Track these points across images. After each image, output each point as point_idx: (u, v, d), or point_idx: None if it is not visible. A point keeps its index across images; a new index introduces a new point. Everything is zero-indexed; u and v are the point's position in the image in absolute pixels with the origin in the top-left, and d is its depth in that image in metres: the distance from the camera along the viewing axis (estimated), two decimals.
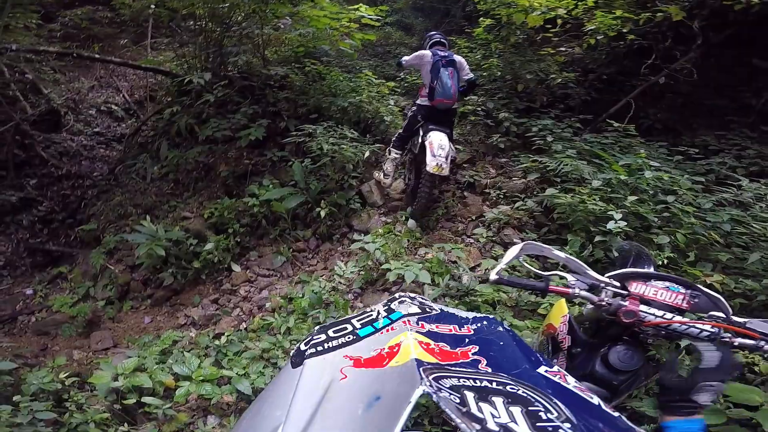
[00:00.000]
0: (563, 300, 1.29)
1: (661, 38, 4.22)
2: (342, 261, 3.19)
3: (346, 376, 0.58)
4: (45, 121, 6.22)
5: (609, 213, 2.76)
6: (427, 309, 0.79)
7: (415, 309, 0.78)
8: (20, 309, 4.06)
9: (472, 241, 3.53)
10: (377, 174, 3.81)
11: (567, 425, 0.42)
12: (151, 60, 6.30)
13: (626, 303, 1.07)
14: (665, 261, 2.47)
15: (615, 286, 1.12)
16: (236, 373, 2.37)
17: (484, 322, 0.76)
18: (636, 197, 2.93)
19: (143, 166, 4.64)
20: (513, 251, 1.18)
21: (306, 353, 0.69)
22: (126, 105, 7.08)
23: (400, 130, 3.76)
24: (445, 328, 0.71)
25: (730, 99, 4.33)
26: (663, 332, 1.07)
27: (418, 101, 3.57)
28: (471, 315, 0.79)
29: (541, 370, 0.60)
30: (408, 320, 0.72)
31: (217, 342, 2.72)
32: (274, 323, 2.67)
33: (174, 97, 5.05)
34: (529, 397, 0.47)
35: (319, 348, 0.70)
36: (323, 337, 0.73)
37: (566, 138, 4.07)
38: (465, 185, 4.03)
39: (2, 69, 5.38)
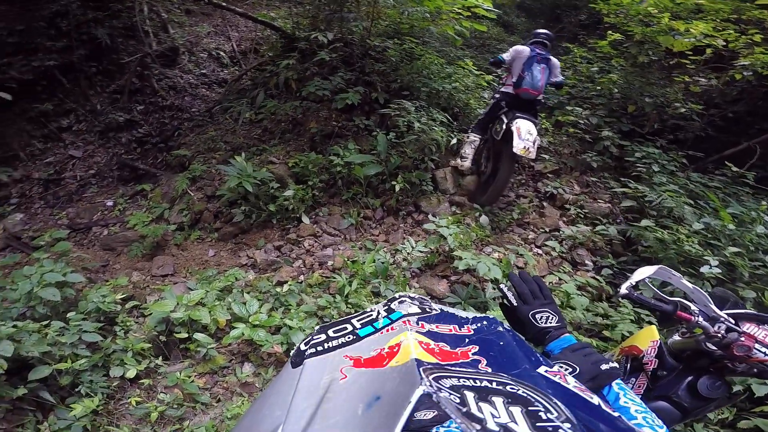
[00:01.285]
0: (654, 327, 1.40)
1: None
2: (411, 238, 3.19)
3: (346, 376, 0.58)
4: (164, 57, 6.76)
5: (705, 258, 2.70)
6: (427, 309, 0.78)
7: (415, 309, 0.77)
8: (97, 219, 4.22)
9: (540, 252, 3.40)
10: (454, 161, 3.79)
11: (567, 425, 0.41)
12: (264, 15, 6.68)
13: (743, 338, 1.15)
14: None
15: (730, 323, 1.18)
16: (296, 325, 2.32)
17: (484, 322, 0.75)
18: (736, 249, 2.83)
19: (238, 110, 4.94)
20: (646, 271, 1.25)
21: (306, 353, 0.69)
22: (232, 54, 7.55)
23: (481, 116, 3.80)
24: (445, 328, 0.71)
25: None
26: (756, 369, 1.15)
27: (502, 89, 3.63)
28: (471, 315, 0.79)
29: (541, 370, 0.59)
30: (408, 320, 0.72)
31: (278, 289, 2.74)
32: (338, 281, 2.71)
33: (279, 53, 5.29)
34: (529, 397, 0.46)
35: (319, 348, 0.70)
36: (323, 337, 0.73)
37: (671, 171, 3.82)
38: (546, 195, 3.87)
39: (143, 6, 5.92)
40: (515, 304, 0.91)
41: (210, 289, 2.67)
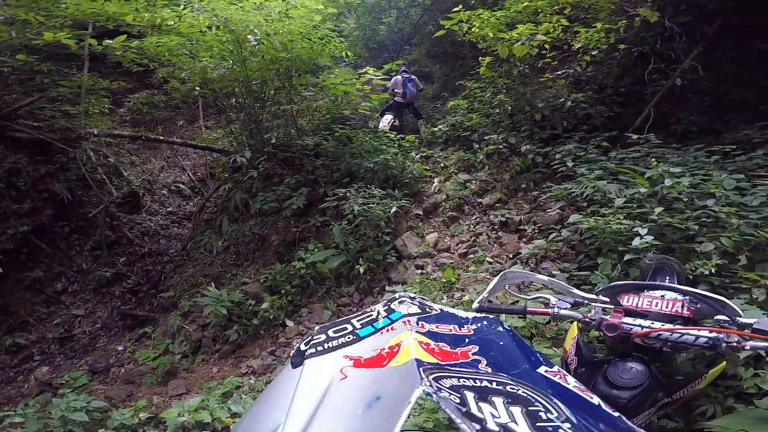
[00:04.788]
0: (576, 323, 1.27)
1: (657, 41, 4.16)
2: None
3: (346, 376, 0.58)
4: (127, 203, 7.08)
5: (636, 230, 2.63)
6: (427, 309, 0.78)
7: (415, 309, 0.77)
8: (113, 362, 4.76)
9: None
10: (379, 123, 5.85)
11: (567, 425, 0.42)
12: (205, 138, 7.07)
13: (608, 317, 1.06)
14: (713, 269, 2.26)
15: (604, 302, 1.11)
16: None
17: (484, 322, 0.76)
18: (663, 208, 2.75)
19: (209, 241, 5.31)
20: (492, 282, 1.24)
21: (306, 353, 0.69)
22: (191, 183, 8.01)
23: (384, 108, 6.29)
24: (445, 328, 0.71)
25: (758, 89, 4.05)
26: (670, 344, 1.02)
27: (396, 99, 6.21)
28: (471, 315, 0.80)
29: (541, 370, 0.60)
30: (408, 320, 0.72)
31: None
32: None
33: (229, 174, 5.74)
34: (529, 397, 0.47)
35: (319, 348, 0.69)
36: (323, 337, 0.73)
37: (593, 159, 3.95)
38: (498, 225, 4.09)
39: (89, 153, 6.20)
40: None
41: (211, 396, 3.07)
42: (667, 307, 1.10)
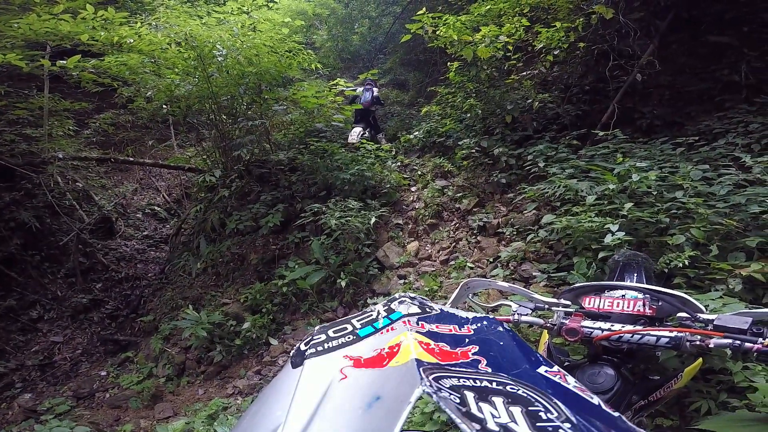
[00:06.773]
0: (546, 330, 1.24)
1: (615, 38, 4.27)
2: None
3: (346, 376, 0.58)
4: (100, 229, 6.92)
5: (607, 227, 2.64)
6: (427, 309, 0.78)
7: (415, 309, 0.77)
8: (96, 387, 4.70)
9: None
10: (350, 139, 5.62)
11: (567, 425, 0.43)
12: (178, 158, 6.92)
13: (567, 321, 1.03)
14: (687, 261, 2.24)
15: (565, 306, 1.09)
16: None
17: (484, 322, 0.76)
18: (633, 203, 2.77)
19: (187, 264, 5.18)
20: (456, 291, 1.23)
21: (306, 353, 0.68)
22: (167, 205, 7.82)
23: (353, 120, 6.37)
24: (445, 328, 0.71)
25: (713, 80, 4.21)
26: (634, 345, 0.98)
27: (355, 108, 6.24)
28: (471, 315, 0.79)
29: (541, 370, 0.61)
30: (408, 320, 0.72)
31: None
32: None
33: (204, 193, 5.62)
34: (529, 397, 0.48)
35: (319, 348, 0.68)
36: (323, 337, 0.72)
37: (564, 158, 3.98)
38: (477, 230, 4.10)
39: (57, 178, 5.98)
40: None
41: (196, 418, 3.06)
42: (628, 307, 1.08)
